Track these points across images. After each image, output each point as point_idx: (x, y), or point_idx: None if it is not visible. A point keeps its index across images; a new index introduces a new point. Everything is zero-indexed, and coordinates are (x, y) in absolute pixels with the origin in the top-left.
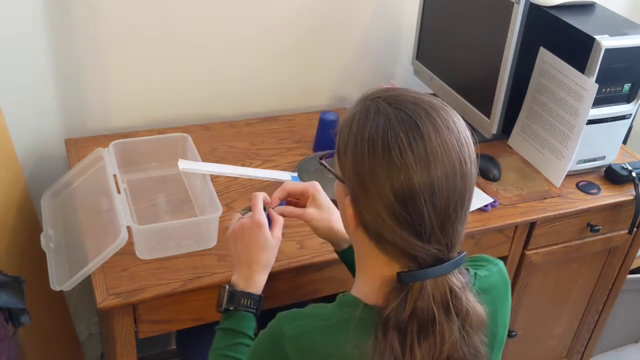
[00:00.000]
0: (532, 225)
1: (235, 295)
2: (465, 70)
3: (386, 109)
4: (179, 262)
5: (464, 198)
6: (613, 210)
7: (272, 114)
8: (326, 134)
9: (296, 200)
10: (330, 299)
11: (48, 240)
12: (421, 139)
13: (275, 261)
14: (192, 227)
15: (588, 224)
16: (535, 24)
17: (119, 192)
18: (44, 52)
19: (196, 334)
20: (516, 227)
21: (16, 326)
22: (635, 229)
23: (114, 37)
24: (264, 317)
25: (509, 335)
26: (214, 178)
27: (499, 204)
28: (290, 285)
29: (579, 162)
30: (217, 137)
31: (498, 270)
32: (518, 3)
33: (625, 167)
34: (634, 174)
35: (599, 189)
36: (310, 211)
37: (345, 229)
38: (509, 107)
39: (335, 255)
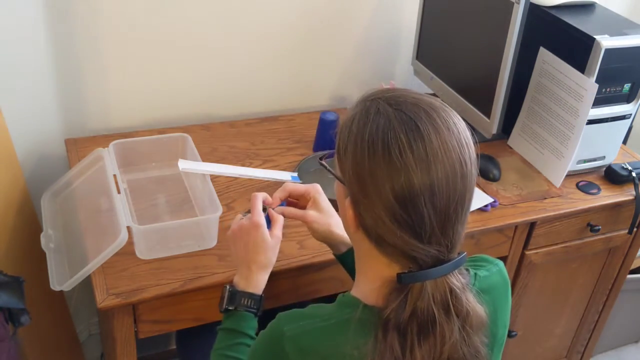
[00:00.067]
0: (532, 225)
1: (236, 295)
2: (465, 70)
3: (386, 109)
4: (179, 262)
5: (464, 199)
6: (613, 210)
7: (272, 114)
8: (326, 134)
9: (295, 201)
10: (330, 299)
11: (48, 240)
12: (421, 140)
13: (276, 261)
14: (192, 227)
15: (588, 224)
16: (535, 24)
17: (119, 192)
18: (44, 52)
19: (196, 334)
20: (516, 227)
21: (16, 326)
22: (635, 229)
23: (114, 37)
24: (264, 318)
25: (509, 335)
26: (214, 178)
27: (499, 204)
28: (290, 286)
29: (579, 162)
30: (217, 137)
31: (498, 271)
32: (518, 3)
33: (625, 167)
34: (634, 174)
35: (599, 189)
36: (311, 213)
37: (346, 230)
38: (509, 107)
39: None
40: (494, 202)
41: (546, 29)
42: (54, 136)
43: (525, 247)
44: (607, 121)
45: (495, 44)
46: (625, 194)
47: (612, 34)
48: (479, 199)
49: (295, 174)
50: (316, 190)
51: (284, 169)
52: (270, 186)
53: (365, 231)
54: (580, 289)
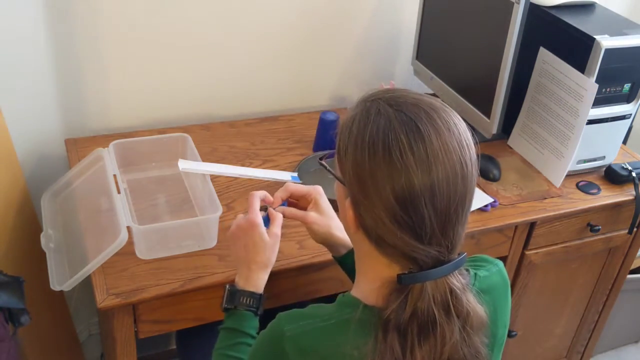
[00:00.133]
0: (532, 225)
1: (236, 294)
2: (465, 70)
3: (387, 110)
4: (179, 262)
5: (465, 200)
6: (613, 210)
7: (272, 114)
8: (326, 134)
9: (296, 201)
10: (330, 299)
11: (48, 240)
12: (422, 141)
13: (276, 261)
14: (192, 227)
15: (588, 224)
16: (535, 24)
17: (119, 192)
18: (44, 52)
19: (196, 333)
20: (516, 227)
21: (16, 326)
22: (635, 229)
23: (114, 37)
24: (264, 318)
25: (509, 335)
26: (214, 178)
27: (499, 204)
28: (290, 286)
29: (579, 162)
30: (217, 137)
31: (498, 271)
32: (518, 3)
33: (625, 167)
34: (634, 174)
35: (599, 189)
36: (312, 214)
37: (346, 231)
38: (509, 107)
39: None
40: (494, 202)
41: (546, 29)
42: (54, 136)
43: (525, 247)
44: (607, 121)
45: (495, 44)
46: (625, 194)
47: (612, 34)
48: (479, 199)
49: (295, 174)
50: (318, 192)
51: (284, 169)
52: (270, 186)
53: (365, 232)
54: (580, 289)
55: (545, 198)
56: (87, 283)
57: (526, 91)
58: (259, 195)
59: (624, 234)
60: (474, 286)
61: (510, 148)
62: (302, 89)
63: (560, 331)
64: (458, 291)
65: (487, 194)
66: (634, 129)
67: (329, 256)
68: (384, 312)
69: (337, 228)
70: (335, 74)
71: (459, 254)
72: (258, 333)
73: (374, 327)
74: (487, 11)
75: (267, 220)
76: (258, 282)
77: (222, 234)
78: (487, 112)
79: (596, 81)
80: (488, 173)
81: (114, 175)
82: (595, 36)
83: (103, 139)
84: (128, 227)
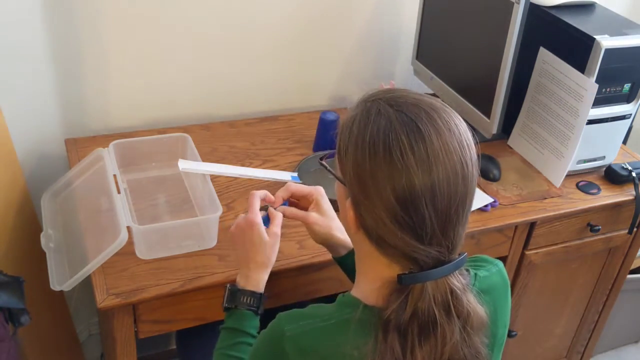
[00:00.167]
0: (532, 225)
1: (236, 294)
2: (465, 70)
3: (387, 110)
4: (179, 262)
5: (465, 200)
6: (613, 210)
7: (271, 114)
8: (326, 134)
9: (296, 201)
10: (330, 299)
11: (48, 240)
12: (422, 141)
13: (276, 261)
14: (192, 227)
15: (588, 224)
16: (535, 24)
17: (119, 192)
18: (44, 52)
19: (196, 333)
20: (516, 227)
21: (16, 326)
22: (635, 229)
23: (114, 37)
24: (264, 317)
25: (509, 335)
26: (214, 178)
27: (499, 204)
28: (290, 285)
29: (579, 162)
30: (217, 137)
31: (498, 271)
32: (518, 3)
33: (625, 167)
34: (634, 174)
35: (599, 189)
36: (313, 215)
37: (346, 231)
38: (509, 107)
39: None
40: (494, 202)
41: (546, 29)
42: (54, 136)
43: (525, 247)
44: (607, 121)
45: (495, 44)
46: (625, 194)
47: (612, 34)
48: (479, 199)
49: (295, 174)
50: (319, 192)
51: (284, 169)
52: (270, 186)
53: (365, 232)
54: (580, 289)
55: (545, 198)
56: (87, 283)
57: (526, 91)
58: (259, 194)
59: (624, 234)
60: (474, 286)
61: (510, 148)
62: (302, 88)
63: (560, 331)
64: (458, 291)
65: (487, 194)
66: (634, 129)
67: (328, 256)
68: (384, 312)
69: (338, 229)
70: (335, 74)
71: (459, 254)
72: (259, 332)
73: (374, 327)
74: (487, 11)
75: (267, 220)
76: (258, 281)
77: (222, 234)
78: (487, 112)
79: (596, 81)
80: (488, 173)
81: (114, 175)
82: (595, 36)
83: (103, 139)
84: (128, 227)
